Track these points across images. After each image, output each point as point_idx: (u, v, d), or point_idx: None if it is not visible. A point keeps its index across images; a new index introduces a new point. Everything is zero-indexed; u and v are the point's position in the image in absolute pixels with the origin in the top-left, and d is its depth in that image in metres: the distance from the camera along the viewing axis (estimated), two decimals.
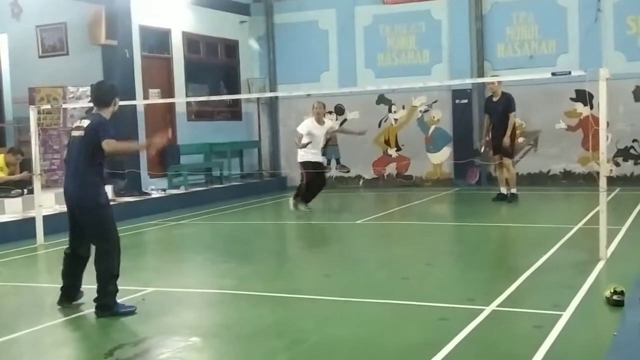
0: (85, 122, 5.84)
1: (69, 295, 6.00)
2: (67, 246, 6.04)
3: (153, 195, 12.95)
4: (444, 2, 15.13)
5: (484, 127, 12.07)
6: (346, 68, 15.86)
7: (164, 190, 13.46)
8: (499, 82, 11.55)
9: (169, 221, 11.32)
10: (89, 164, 5.74)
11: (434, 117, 15.38)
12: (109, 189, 12.09)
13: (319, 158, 11.69)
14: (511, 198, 11.72)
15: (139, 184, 13.00)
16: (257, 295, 6.21)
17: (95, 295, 5.75)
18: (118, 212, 11.31)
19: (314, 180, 11.56)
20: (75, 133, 5.87)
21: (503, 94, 11.61)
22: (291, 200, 11.72)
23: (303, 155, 11.47)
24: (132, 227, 10.35)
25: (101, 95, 5.94)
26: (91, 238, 5.86)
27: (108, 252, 5.74)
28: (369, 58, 15.78)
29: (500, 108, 11.54)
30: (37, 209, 9.46)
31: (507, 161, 11.72)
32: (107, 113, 5.89)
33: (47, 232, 9.35)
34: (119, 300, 5.79)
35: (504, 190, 11.82)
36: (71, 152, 5.92)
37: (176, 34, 14.58)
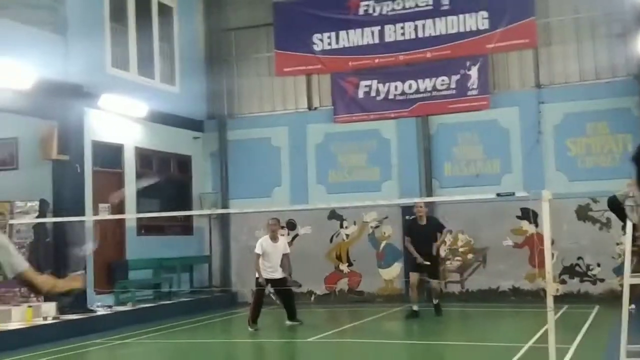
0: None
1: None
2: None
3: (98, 313, 12.56)
4: (392, 122, 15.64)
5: (410, 248, 12.26)
6: (298, 184, 16.06)
7: (110, 307, 13.08)
8: (424, 205, 12.25)
9: (114, 340, 10.92)
10: None
11: (384, 233, 15.53)
12: (51, 306, 11.80)
13: (277, 274, 11.62)
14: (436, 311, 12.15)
15: (83, 301, 12.60)
16: None
17: None
18: (61, 331, 11.14)
19: (282, 296, 11.82)
20: None
21: (428, 217, 12.34)
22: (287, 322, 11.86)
23: (258, 274, 11.49)
24: (74, 347, 9.87)
25: None
26: None
27: None
28: (320, 174, 16.03)
29: (431, 231, 12.16)
30: None
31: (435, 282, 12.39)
32: None
33: None
34: None
35: (416, 307, 12.09)
36: None
37: (129, 149, 14.65)
